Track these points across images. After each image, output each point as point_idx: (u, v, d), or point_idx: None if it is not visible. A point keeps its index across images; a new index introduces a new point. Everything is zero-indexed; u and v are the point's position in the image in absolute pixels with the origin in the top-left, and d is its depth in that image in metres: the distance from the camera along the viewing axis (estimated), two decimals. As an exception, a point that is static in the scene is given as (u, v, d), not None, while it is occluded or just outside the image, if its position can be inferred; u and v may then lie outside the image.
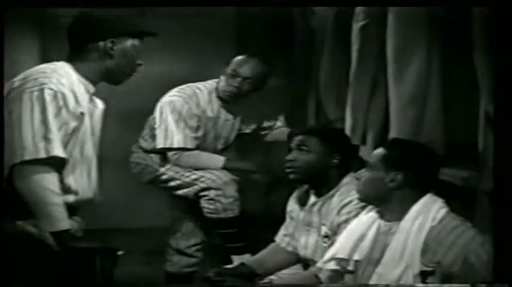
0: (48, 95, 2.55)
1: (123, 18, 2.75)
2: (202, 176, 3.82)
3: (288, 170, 3.08)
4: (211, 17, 5.31)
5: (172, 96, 3.85)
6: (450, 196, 2.62)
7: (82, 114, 2.63)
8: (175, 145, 3.79)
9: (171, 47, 5.31)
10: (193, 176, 3.83)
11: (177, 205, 4.09)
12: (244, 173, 3.91)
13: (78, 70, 2.67)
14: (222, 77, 3.84)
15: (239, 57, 3.84)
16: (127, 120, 5.21)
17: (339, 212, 2.95)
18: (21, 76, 2.65)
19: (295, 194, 3.22)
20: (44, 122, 2.53)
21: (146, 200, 5.01)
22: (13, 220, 2.55)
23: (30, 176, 2.51)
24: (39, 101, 2.54)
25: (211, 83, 3.91)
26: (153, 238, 4.47)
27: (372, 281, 2.49)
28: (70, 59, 2.70)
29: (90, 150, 2.69)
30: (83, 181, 2.67)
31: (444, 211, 2.49)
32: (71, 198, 2.63)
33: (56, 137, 2.54)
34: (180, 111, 3.79)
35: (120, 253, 2.61)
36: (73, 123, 2.60)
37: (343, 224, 2.88)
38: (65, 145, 2.59)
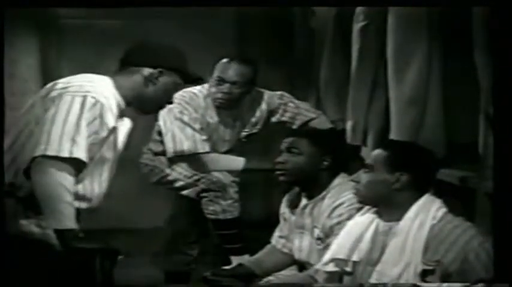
0: (89, 103, 2.58)
1: (178, 52, 2.81)
2: (202, 177, 3.83)
3: (278, 173, 3.08)
4: (211, 17, 5.30)
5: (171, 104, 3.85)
6: (450, 196, 2.63)
7: (114, 128, 2.67)
8: (187, 152, 3.80)
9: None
10: (195, 177, 3.84)
11: (178, 204, 4.11)
12: (266, 173, 3.89)
13: (117, 87, 2.71)
14: (210, 84, 3.83)
15: (221, 63, 3.81)
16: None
17: (330, 214, 2.96)
18: (66, 79, 2.69)
19: (286, 197, 3.22)
20: (77, 125, 2.55)
21: (147, 201, 5.01)
22: (16, 219, 2.56)
23: (49, 171, 2.51)
24: (79, 105, 2.57)
25: (207, 88, 3.89)
26: (153, 239, 4.47)
27: (372, 280, 2.49)
28: (114, 75, 2.74)
29: (108, 164, 2.71)
30: (94, 191, 2.69)
31: (443, 210, 2.50)
32: (83, 205, 2.65)
33: (83, 141, 2.56)
34: (181, 118, 3.80)
35: (120, 257, 2.61)
36: (103, 134, 2.63)
37: (336, 226, 2.89)
38: (90, 153, 2.60)
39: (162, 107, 2.85)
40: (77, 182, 2.61)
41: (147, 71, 2.73)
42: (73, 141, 2.54)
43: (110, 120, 2.64)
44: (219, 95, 3.81)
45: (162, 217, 4.22)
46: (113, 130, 2.68)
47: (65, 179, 2.52)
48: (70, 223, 2.53)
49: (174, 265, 4.12)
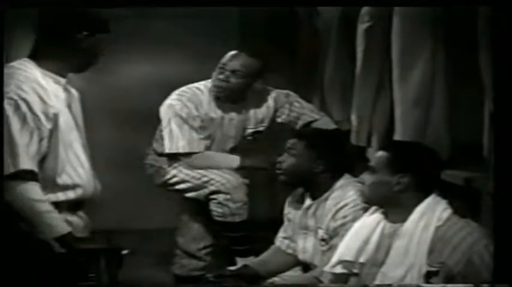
0: (8, 105, 2.47)
1: (91, 12, 2.66)
2: (212, 179, 3.79)
3: (277, 171, 3.11)
4: (213, 17, 5.30)
5: (172, 100, 3.82)
6: (455, 197, 2.62)
7: (55, 115, 2.56)
8: (181, 150, 3.78)
9: (172, 48, 5.30)
10: (204, 179, 3.80)
11: (187, 207, 4.07)
12: (260, 171, 3.87)
13: (42, 66, 2.59)
14: (213, 74, 3.82)
15: (229, 53, 3.80)
16: (131, 122, 5.21)
17: (334, 216, 2.96)
18: None
19: (290, 197, 3.23)
20: (9, 136, 2.46)
21: (153, 201, 5.00)
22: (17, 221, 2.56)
23: (12, 190, 2.47)
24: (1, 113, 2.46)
25: (211, 82, 3.88)
26: (160, 240, 4.47)
27: (376, 281, 2.50)
28: (33, 55, 2.62)
29: (77, 143, 2.65)
30: (79, 174, 2.64)
31: (449, 211, 2.50)
32: (75, 193, 2.61)
33: (23, 149, 2.47)
34: (180, 114, 3.77)
35: (124, 252, 2.60)
36: (47, 126, 2.53)
37: (340, 228, 2.90)
38: (46, 147, 2.53)
39: (97, 61, 2.68)
40: (59, 174, 2.57)
41: (69, 39, 2.59)
42: (12, 154, 2.46)
43: (46, 108, 2.52)
44: (216, 83, 3.77)
45: (169, 218, 4.21)
46: (57, 117, 2.55)
47: (30, 191, 2.48)
48: (61, 229, 2.51)
49: (187, 270, 4.08)
